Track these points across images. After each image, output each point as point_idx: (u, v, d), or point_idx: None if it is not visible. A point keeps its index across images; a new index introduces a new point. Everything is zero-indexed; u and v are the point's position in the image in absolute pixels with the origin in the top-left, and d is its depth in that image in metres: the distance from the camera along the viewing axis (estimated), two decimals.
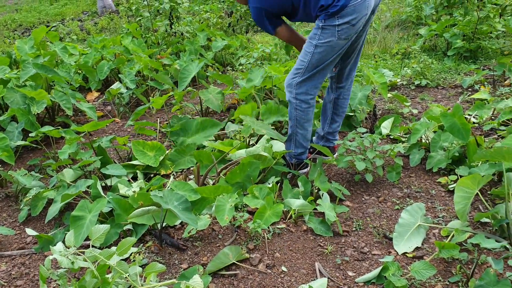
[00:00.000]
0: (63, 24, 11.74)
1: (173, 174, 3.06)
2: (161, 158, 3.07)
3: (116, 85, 4.30)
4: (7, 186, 3.12)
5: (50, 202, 2.74)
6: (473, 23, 4.85)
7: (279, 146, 2.89)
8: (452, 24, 5.27)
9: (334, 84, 2.82)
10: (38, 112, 3.48)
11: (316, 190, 2.53)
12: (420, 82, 4.31)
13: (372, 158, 2.58)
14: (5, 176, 3.02)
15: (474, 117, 3.31)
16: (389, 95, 3.96)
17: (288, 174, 2.78)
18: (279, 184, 2.62)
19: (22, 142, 3.22)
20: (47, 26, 10.80)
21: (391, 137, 3.26)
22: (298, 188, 2.55)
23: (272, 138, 3.02)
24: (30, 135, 3.22)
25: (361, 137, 2.71)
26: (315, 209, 2.36)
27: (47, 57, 4.14)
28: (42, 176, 3.16)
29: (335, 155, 2.90)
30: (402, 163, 2.69)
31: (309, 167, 2.77)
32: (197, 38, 5.76)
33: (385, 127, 3.31)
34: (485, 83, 4.09)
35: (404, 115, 3.66)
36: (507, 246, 1.92)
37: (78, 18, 13.73)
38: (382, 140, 3.22)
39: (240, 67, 5.16)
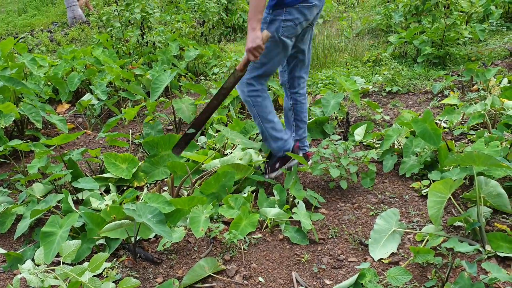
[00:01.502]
0: (32, 35, 11.51)
1: (147, 186, 3.01)
2: (134, 170, 3.02)
3: (87, 97, 4.22)
4: None
5: (19, 218, 2.65)
6: (441, 30, 4.96)
7: (255, 155, 2.88)
8: (420, 31, 5.39)
9: (288, 91, 2.85)
10: (6, 125, 3.38)
11: (291, 199, 2.52)
12: (391, 89, 4.38)
13: (346, 165, 2.60)
14: None
15: (444, 122, 3.37)
16: (361, 102, 4.01)
17: (263, 183, 2.77)
18: (254, 194, 2.61)
19: None
20: (15, 38, 10.60)
21: (364, 143, 3.29)
22: (274, 196, 2.54)
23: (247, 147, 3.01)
24: None
25: (335, 144, 2.72)
26: (291, 217, 2.35)
27: (15, 69, 4.04)
28: (10, 191, 3.06)
29: (309, 163, 2.90)
30: (375, 169, 2.71)
31: (283, 175, 2.77)
32: (170, 47, 5.72)
33: (358, 134, 3.34)
34: (454, 88, 4.18)
35: (377, 122, 3.70)
36: (480, 249, 1.95)
37: (47, 29, 13.49)
38: (355, 146, 3.24)
39: (214, 76, 5.15)
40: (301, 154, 2.89)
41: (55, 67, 4.87)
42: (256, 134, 3.38)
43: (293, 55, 2.70)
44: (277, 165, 2.80)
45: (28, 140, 3.37)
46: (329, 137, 2.87)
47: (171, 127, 4.05)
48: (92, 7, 14.11)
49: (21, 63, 4.46)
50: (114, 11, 5.71)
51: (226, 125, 3.63)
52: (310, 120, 3.46)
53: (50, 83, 4.87)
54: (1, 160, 3.41)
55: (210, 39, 7.39)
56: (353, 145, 2.82)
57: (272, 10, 2.41)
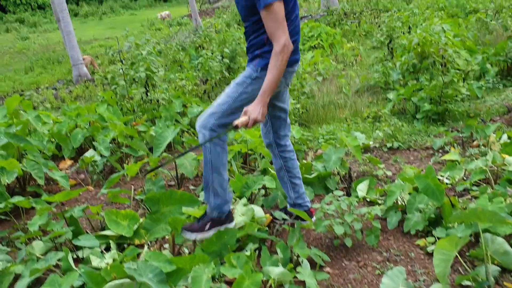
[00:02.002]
0: (37, 93, 11.75)
1: (148, 244, 2.97)
2: (135, 227, 2.99)
3: (90, 153, 4.25)
4: None
5: (17, 277, 2.60)
6: (438, 87, 5.07)
7: (258, 211, 2.86)
8: (418, 89, 5.50)
9: (275, 150, 2.85)
10: (9, 182, 3.39)
11: (295, 257, 2.48)
12: (392, 145, 4.41)
13: (351, 221, 2.57)
14: None
15: (446, 178, 3.37)
16: (362, 157, 4.03)
17: (266, 240, 2.73)
18: (257, 251, 2.57)
19: None
20: (21, 95, 10.80)
21: (368, 199, 3.27)
22: (277, 254, 2.50)
23: (251, 203, 2.99)
24: None
25: (338, 200, 2.71)
26: (295, 277, 2.30)
27: (20, 126, 4.10)
28: (10, 249, 3.01)
29: (313, 219, 2.88)
30: (380, 226, 2.69)
31: (287, 232, 2.74)
32: (173, 104, 5.81)
33: (361, 189, 3.33)
34: (455, 144, 4.21)
35: (379, 177, 3.70)
36: None
37: (53, 86, 13.79)
38: (358, 202, 3.23)
39: None
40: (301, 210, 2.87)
41: (59, 124, 4.94)
42: (258, 189, 3.37)
43: (277, 116, 2.74)
44: (207, 226, 2.64)
45: (30, 197, 3.36)
46: (332, 193, 2.87)
47: (173, 183, 4.05)
48: (97, 65, 14.50)
49: (26, 120, 4.53)
50: (119, 69, 5.87)
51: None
52: (312, 175, 3.47)
53: (53, 140, 4.91)
54: (2, 217, 3.38)
55: (213, 96, 7.53)
56: (356, 201, 2.81)
57: (261, 69, 2.45)
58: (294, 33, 2.47)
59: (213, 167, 2.55)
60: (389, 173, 3.72)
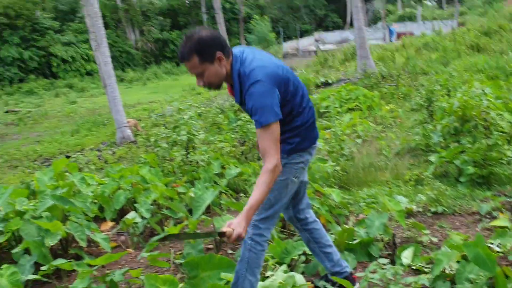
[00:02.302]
0: (82, 154, 12.20)
1: None
2: None
3: (131, 215, 4.31)
4: None
5: None
6: (482, 150, 4.94)
7: (299, 279, 2.78)
8: (461, 151, 5.38)
9: (298, 225, 2.82)
10: (52, 244, 3.46)
11: None
12: (437, 209, 4.27)
13: None
14: None
15: (497, 246, 3.21)
16: (406, 222, 3.90)
17: None
18: None
19: (33, 276, 3.15)
20: (67, 157, 11.24)
21: (413, 267, 3.13)
22: None
23: (291, 270, 2.92)
24: (42, 268, 3.16)
25: (383, 269, 2.61)
26: None
27: (65, 189, 4.23)
28: None
29: (355, 287, 2.77)
30: None
31: None
32: (212, 166, 5.90)
33: (406, 257, 3.20)
34: (503, 209, 4.04)
35: (424, 244, 3.56)
36: None
37: (97, 148, 14.30)
38: (404, 271, 3.09)
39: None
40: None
41: (103, 185, 5.07)
42: (299, 255, 3.30)
43: (298, 191, 2.73)
44: None
45: (72, 259, 3.41)
46: (376, 260, 2.77)
47: (211, 246, 4.02)
48: (141, 128, 15.02)
49: (71, 182, 4.68)
50: (162, 133, 6.06)
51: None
52: (355, 242, 3.37)
53: (96, 201, 5.03)
54: (44, 279, 3.42)
55: (250, 157, 7.60)
56: (402, 270, 2.69)
57: (287, 155, 2.49)
58: (310, 114, 2.57)
59: (249, 266, 2.52)
60: (434, 240, 3.58)
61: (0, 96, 31.00)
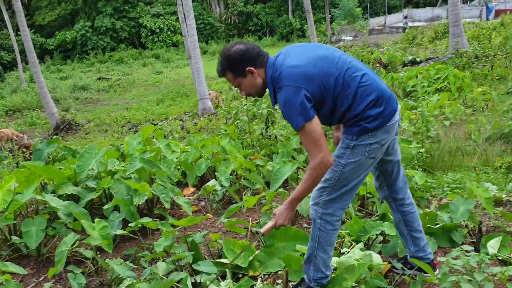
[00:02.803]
0: (166, 123, 12.74)
1: (261, 277, 3.00)
2: (250, 258, 3.04)
3: (211, 182, 4.47)
4: (102, 274, 3.23)
5: None
6: None
7: (376, 258, 2.75)
8: None
9: (392, 204, 2.71)
10: (139, 203, 3.68)
11: None
12: None
13: (481, 280, 2.35)
14: (102, 264, 3.14)
15: None
16: (494, 211, 3.69)
17: None
18: None
19: (121, 232, 3.38)
20: (154, 124, 11.78)
21: (500, 258, 2.97)
22: None
23: (367, 249, 2.89)
24: (129, 225, 3.38)
25: (467, 256, 2.50)
26: None
27: (153, 153, 4.45)
28: (135, 266, 3.24)
29: (436, 272, 2.68)
30: None
31: (407, 283, 2.58)
32: (290, 141, 5.91)
33: (492, 246, 3.04)
34: None
35: None
36: None
37: (180, 118, 14.87)
38: (489, 260, 2.94)
39: None
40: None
41: (186, 153, 5.28)
42: (376, 235, 3.25)
43: (388, 170, 2.61)
44: None
45: (156, 219, 3.61)
46: (460, 247, 2.65)
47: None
48: (221, 100, 15.35)
49: (158, 147, 4.91)
50: (243, 105, 6.14)
51: (343, 223, 3.56)
52: (436, 226, 3.25)
53: (180, 167, 5.26)
54: (131, 235, 3.66)
55: (330, 134, 7.52)
56: (488, 259, 2.56)
57: (356, 137, 2.36)
58: (364, 95, 2.32)
59: (320, 245, 2.50)
60: None
61: (93, 64, 33.10)
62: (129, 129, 14.48)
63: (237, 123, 6.43)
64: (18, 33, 22.21)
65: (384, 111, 2.33)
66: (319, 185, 2.46)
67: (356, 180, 2.42)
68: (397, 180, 2.65)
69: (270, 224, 2.48)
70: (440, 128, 6.26)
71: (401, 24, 30.68)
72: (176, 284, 2.77)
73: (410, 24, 29.55)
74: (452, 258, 2.55)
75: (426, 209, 3.73)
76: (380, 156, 2.43)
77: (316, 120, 2.28)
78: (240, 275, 2.99)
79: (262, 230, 2.48)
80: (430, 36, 21.06)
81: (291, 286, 2.72)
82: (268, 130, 6.21)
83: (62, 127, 15.58)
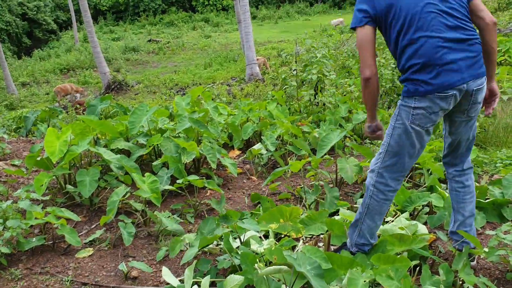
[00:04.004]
0: (213, 87, 12.82)
1: (303, 239, 3.04)
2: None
3: (257, 146, 4.51)
4: (150, 226, 3.37)
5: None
6: None
7: (421, 228, 2.72)
8: None
9: (447, 172, 2.62)
10: (187, 161, 3.77)
11: (460, 282, 2.30)
12: None
13: None
14: (151, 216, 3.27)
15: None
16: None
17: (427, 259, 2.58)
18: (417, 269, 2.44)
19: (170, 187, 3.49)
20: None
21: None
22: (439, 276, 2.34)
23: (412, 219, 2.86)
24: (177, 181, 3.49)
25: None
26: None
27: (201, 114, 4.51)
28: (182, 220, 3.36)
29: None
30: None
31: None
32: (339, 109, 5.84)
33: None
34: None
35: None
36: None
37: (227, 82, 14.93)
38: None
39: (379, 142, 5.08)
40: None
41: (233, 116, 5.33)
42: (423, 206, 3.20)
43: (452, 142, 2.50)
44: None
45: (203, 177, 3.70)
46: (511, 222, 2.58)
47: (331, 185, 4.06)
48: (269, 66, 15.25)
49: (206, 109, 4.97)
50: (293, 70, 6.09)
51: None
52: (487, 201, 3.17)
53: (226, 130, 5.32)
54: (178, 191, 3.77)
55: (380, 104, 7.36)
56: None
57: (403, 97, 2.29)
58: (408, 56, 2.22)
59: (368, 212, 2.47)
60: None
61: (144, 26, 33.50)
62: (177, 91, 14.70)
63: (285, 88, 6.40)
64: None
65: (434, 79, 2.18)
66: (377, 153, 2.44)
67: (406, 150, 2.32)
68: (456, 158, 2.55)
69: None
70: (498, 103, 5.99)
71: None
72: (220, 241, 2.86)
73: None
74: (502, 232, 2.49)
75: (476, 183, 3.63)
76: (430, 127, 2.30)
77: (365, 31, 2.27)
78: (282, 236, 3.04)
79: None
80: (492, 7, 19.89)
81: (332, 249, 2.74)
82: (316, 97, 6.15)
83: (113, 87, 15.99)
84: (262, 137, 4.73)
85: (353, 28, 2.31)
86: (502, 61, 8.75)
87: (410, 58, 2.22)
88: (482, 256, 2.61)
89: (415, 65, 2.20)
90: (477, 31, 2.29)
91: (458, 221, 2.58)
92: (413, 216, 3.17)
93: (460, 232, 2.49)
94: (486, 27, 2.25)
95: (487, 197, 3.27)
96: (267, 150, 4.59)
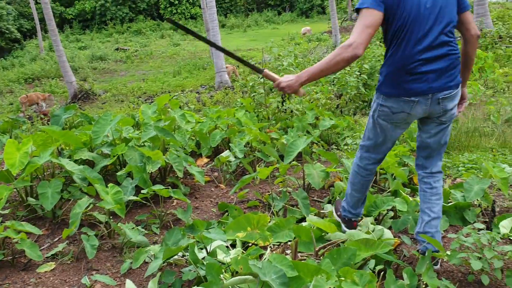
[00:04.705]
0: (182, 95, 12.73)
1: (270, 247, 3.02)
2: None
3: (225, 153, 4.49)
4: (115, 238, 3.29)
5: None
6: None
7: (386, 232, 2.74)
8: None
9: (419, 171, 2.68)
10: (152, 171, 3.71)
11: (423, 286, 2.32)
12: None
13: (490, 258, 2.34)
14: (115, 228, 3.20)
15: None
16: (509, 191, 3.64)
17: (392, 264, 2.60)
18: (382, 273, 2.46)
19: (134, 198, 3.42)
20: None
21: (511, 238, 2.94)
22: (403, 280, 2.36)
23: (377, 223, 2.88)
24: (142, 191, 3.42)
25: (478, 234, 2.48)
26: None
27: (168, 122, 4.47)
28: (147, 232, 3.29)
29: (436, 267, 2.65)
30: None
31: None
32: (306, 116, 5.88)
33: (504, 226, 3.01)
34: None
35: None
36: None
37: (196, 90, 14.86)
38: (501, 239, 2.92)
39: (346, 147, 5.13)
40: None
41: (201, 123, 5.29)
42: (387, 210, 3.24)
43: (421, 144, 2.58)
44: (337, 215, 3.01)
45: (169, 187, 3.64)
46: (472, 225, 2.63)
47: (297, 191, 4.07)
48: (239, 74, 15.28)
49: (173, 117, 4.93)
50: (260, 78, 6.10)
51: None
52: (449, 204, 3.23)
53: (194, 138, 5.28)
54: (143, 202, 3.71)
55: (346, 111, 7.46)
56: (500, 237, 2.54)
57: (376, 91, 2.44)
58: (401, 59, 2.29)
59: (351, 183, 2.79)
60: None
61: (111, 34, 33.09)
62: (145, 100, 14.54)
63: (254, 95, 6.41)
64: (38, 1, 22.25)
65: (404, 84, 2.29)
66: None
67: (375, 140, 2.54)
68: (426, 161, 2.62)
69: (274, 76, 2.50)
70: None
71: None
72: (185, 253, 2.81)
73: None
74: (463, 235, 2.54)
75: None
76: (395, 126, 2.43)
77: (373, 12, 2.22)
78: (250, 244, 3.02)
79: (264, 72, 2.52)
80: None
81: (299, 256, 2.73)
82: (284, 104, 6.19)
83: (79, 96, 15.69)
84: (230, 144, 4.71)
85: (359, 9, 2.25)
86: None
87: (389, 61, 2.34)
88: (445, 259, 2.64)
89: (391, 68, 2.32)
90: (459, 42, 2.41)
91: (424, 221, 2.62)
92: (378, 221, 3.20)
93: (423, 236, 2.52)
94: (470, 39, 2.38)
95: (449, 200, 3.33)
96: (235, 157, 4.57)
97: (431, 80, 2.29)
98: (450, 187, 3.55)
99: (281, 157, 4.82)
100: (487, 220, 3.16)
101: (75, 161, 3.87)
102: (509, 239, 2.95)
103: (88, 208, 3.22)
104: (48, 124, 8.21)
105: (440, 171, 2.65)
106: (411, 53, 2.28)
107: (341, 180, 4.13)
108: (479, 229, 2.58)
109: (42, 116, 9.76)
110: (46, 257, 3.04)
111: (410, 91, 2.31)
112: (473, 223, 3.04)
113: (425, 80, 2.30)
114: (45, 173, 3.84)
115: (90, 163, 4.06)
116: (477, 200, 3.30)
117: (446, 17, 2.29)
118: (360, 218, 3.00)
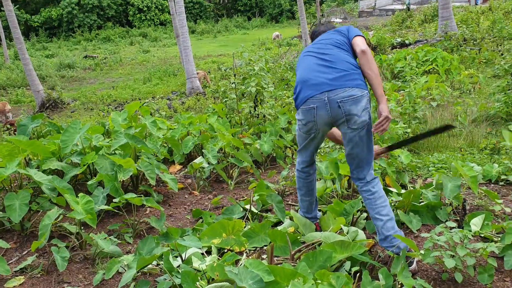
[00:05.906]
0: (153, 102, 12.59)
1: (246, 252, 3.00)
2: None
3: (198, 160, 4.44)
4: (86, 248, 3.21)
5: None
6: None
7: (360, 234, 2.76)
8: None
9: (356, 182, 2.79)
10: (124, 179, 3.64)
11: (398, 285, 2.34)
12: None
13: (463, 256, 2.38)
14: (86, 238, 3.12)
15: None
16: (478, 190, 3.73)
17: (367, 265, 2.62)
18: (357, 275, 2.47)
19: (106, 207, 3.34)
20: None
21: (482, 235, 3.01)
22: (379, 281, 2.38)
23: (351, 225, 2.90)
24: (114, 200, 3.35)
25: (450, 232, 2.52)
26: None
27: (138, 129, 4.40)
28: (120, 241, 3.22)
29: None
30: (496, 264, 2.45)
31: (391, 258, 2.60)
32: (278, 120, 5.89)
33: (475, 224, 3.07)
34: None
35: (496, 213, 3.39)
36: None
37: (167, 97, 14.72)
38: (472, 237, 2.97)
39: (318, 151, 5.16)
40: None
41: (173, 130, 5.23)
42: (360, 212, 3.26)
43: (349, 156, 2.74)
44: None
45: (141, 195, 3.58)
46: (444, 224, 2.67)
47: (272, 196, 4.06)
48: (210, 80, 15.22)
49: (144, 124, 4.85)
50: (231, 83, 6.09)
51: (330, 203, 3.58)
52: (421, 204, 3.28)
53: (166, 144, 5.21)
54: (115, 211, 3.63)
55: None
56: (471, 235, 2.59)
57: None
58: (308, 70, 2.74)
59: (298, 188, 3.06)
60: (507, 210, 3.39)
61: (79, 42, 32.54)
62: (115, 107, 14.31)
63: (225, 101, 6.38)
64: (1, 8, 21.69)
65: (299, 94, 2.67)
66: None
67: (298, 139, 2.87)
68: (353, 167, 2.75)
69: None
70: (427, 109, 6.28)
71: (391, 7, 30.56)
72: (159, 261, 2.76)
73: (399, 6, 29.45)
74: (436, 234, 2.57)
75: (412, 187, 3.76)
76: (311, 135, 2.73)
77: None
78: (225, 251, 2.99)
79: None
80: (419, 19, 21.02)
81: (275, 260, 2.72)
82: (256, 109, 6.18)
83: (47, 105, 15.31)
84: (203, 150, 4.67)
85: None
86: (431, 70, 9.22)
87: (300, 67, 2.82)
88: (418, 259, 2.67)
89: (296, 86, 2.74)
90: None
91: (379, 227, 2.65)
92: (352, 223, 3.22)
93: (397, 236, 2.55)
94: (359, 55, 2.68)
95: (421, 200, 3.38)
96: (208, 163, 4.54)
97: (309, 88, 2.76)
98: (421, 187, 3.60)
99: (255, 162, 4.82)
100: (459, 218, 3.22)
101: (44, 171, 3.76)
102: (480, 236, 3.01)
103: (58, 219, 3.13)
104: (14, 134, 7.98)
105: (374, 177, 2.75)
106: (311, 68, 2.78)
107: None
108: (451, 228, 2.63)
109: (9, 126, 9.48)
110: (15, 271, 2.94)
111: (301, 100, 2.74)
112: (445, 221, 3.09)
113: (307, 87, 2.74)
114: (12, 185, 3.72)
115: (59, 173, 3.96)
116: (449, 199, 3.36)
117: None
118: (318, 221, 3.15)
